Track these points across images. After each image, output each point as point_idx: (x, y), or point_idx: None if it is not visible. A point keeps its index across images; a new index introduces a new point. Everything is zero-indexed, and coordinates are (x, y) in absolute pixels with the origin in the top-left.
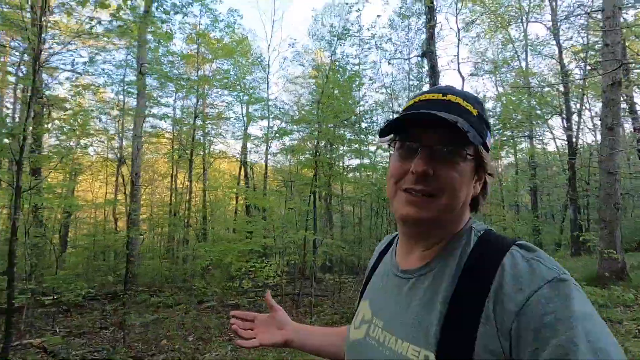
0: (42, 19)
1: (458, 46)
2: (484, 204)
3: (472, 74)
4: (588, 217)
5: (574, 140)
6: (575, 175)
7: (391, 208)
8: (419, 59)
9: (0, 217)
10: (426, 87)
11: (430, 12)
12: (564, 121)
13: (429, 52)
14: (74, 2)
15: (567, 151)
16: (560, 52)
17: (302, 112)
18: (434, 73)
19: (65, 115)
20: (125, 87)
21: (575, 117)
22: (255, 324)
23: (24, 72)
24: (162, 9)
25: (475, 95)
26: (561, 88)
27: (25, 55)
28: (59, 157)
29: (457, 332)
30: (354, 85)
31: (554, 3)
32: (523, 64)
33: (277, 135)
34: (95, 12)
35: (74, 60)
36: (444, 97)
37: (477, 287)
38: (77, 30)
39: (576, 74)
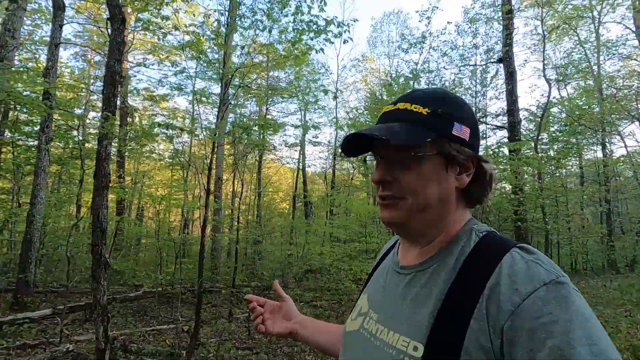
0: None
1: (543, 51)
2: (486, 193)
3: (559, 80)
4: None
5: None
6: None
7: None
8: (495, 64)
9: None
10: (492, 93)
11: (509, 17)
12: None
13: (506, 59)
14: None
15: None
16: None
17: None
18: (511, 79)
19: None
20: (199, 97)
21: None
22: (264, 309)
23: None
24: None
25: (438, 91)
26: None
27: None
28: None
29: (449, 325)
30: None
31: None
32: (596, 68)
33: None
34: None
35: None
36: (395, 107)
37: (473, 284)
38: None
39: None
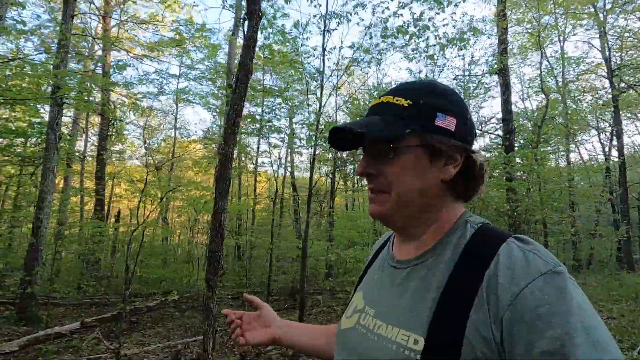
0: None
1: (541, 62)
2: (478, 187)
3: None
4: None
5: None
6: (628, 191)
7: None
8: (488, 76)
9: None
10: (487, 102)
11: (504, 32)
12: (604, 136)
13: (502, 70)
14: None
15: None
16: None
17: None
18: (507, 90)
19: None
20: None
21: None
22: (242, 320)
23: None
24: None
25: (423, 82)
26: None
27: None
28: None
29: (449, 317)
30: None
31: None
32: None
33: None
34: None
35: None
36: (379, 101)
37: (471, 275)
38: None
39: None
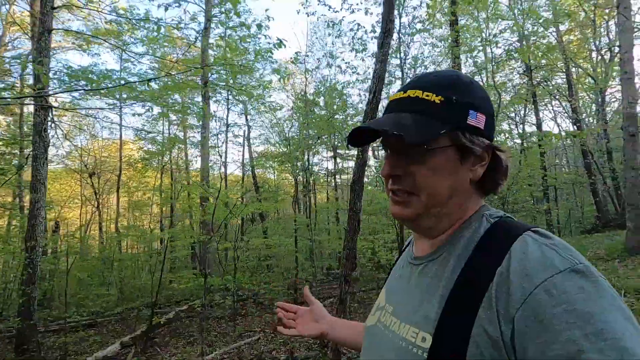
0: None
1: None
2: (501, 183)
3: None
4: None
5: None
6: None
7: None
8: None
9: None
10: None
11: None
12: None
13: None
14: None
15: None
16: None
17: None
18: None
19: None
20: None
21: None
22: (297, 315)
23: None
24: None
25: (450, 75)
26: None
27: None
28: None
29: (456, 315)
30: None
31: None
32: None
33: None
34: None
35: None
36: (405, 95)
37: (482, 271)
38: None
39: None
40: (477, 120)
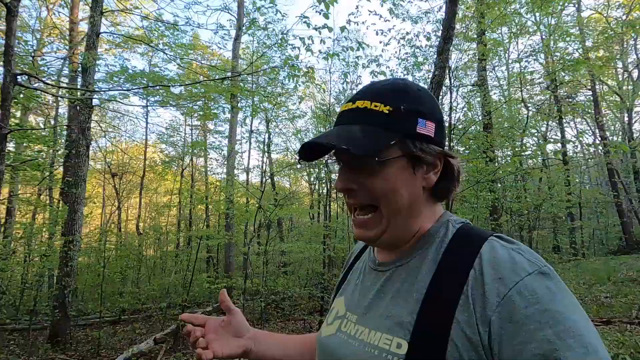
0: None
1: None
2: (453, 189)
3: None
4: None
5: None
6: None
7: None
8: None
9: None
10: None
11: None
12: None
13: (482, 82)
14: None
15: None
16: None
17: None
18: (486, 101)
19: None
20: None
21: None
22: (206, 329)
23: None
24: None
25: (398, 83)
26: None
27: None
28: None
29: (433, 319)
30: None
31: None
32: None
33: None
34: None
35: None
36: (353, 105)
37: (454, 275)
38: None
39: None
40: (426, 128)
